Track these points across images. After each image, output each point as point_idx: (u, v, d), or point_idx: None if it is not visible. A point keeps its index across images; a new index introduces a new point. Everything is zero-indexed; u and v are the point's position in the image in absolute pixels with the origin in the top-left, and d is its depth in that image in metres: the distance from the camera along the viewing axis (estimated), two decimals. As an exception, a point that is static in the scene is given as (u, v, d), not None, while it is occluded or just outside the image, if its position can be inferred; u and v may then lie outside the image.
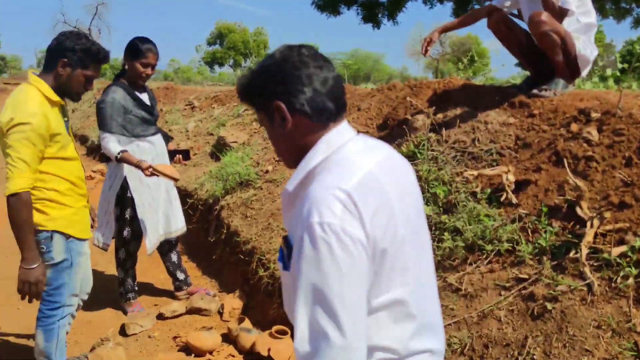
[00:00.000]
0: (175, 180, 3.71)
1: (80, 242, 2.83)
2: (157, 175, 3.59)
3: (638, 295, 2.15)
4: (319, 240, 1.17)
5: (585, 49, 3.62)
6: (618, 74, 3.83)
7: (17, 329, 3.84)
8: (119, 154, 3.55)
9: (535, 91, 3.74)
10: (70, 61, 2.59)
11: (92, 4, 44.83)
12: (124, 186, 3.82)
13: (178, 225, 4.15)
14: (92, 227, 3.12)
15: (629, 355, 1.97)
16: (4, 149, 2.46)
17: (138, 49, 3.62)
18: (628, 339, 2.02)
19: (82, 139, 12.68)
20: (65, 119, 2.75)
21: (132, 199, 3.83)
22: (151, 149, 3.85)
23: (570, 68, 3.67)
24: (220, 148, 6.83)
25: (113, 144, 3.59)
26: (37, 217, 2.56)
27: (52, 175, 2.62)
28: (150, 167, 3.53)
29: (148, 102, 3.84)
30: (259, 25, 67.83)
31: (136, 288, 4.17)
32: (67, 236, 2.73)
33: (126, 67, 3.75)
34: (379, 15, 21.68)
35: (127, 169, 3.76)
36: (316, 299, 1.18)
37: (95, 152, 11.29)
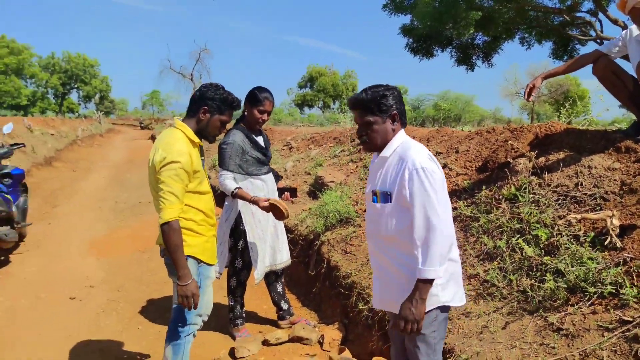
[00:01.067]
0: (287, 216, 3.99)
1: (208, 267, 3.20)
2: (272, 208, 3.93)
3: None
4: (423, 175, 2.25)
5: (695, 94, 3.59)
6: None
7: (139, 348, 4.32)
8: (235, 190, 3.98)
9: (642, 136, 3.73)
10: (210, 108, 3.04)
11: (196, 51, 48.57)
12: (238, 220, 4.23)
13: (283, 257, 4.47)
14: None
15: None
16: (156, 184, 2.90)
17: (257, 97, 4.08)
18: None
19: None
20: (202, 157, 3.19)
21: (244, 231, 4.23)
22: (263, 186, 4.24)
23: (679, 114, 3.64)
24: (318, 187, 7.21)
25: (229, 181, 4.02)
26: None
27: (190, 207, 3.03)
28: (268, 199, 3.91)
29: (263, 144, 4.27)
30: (349, 69, 69.57)
31: (244, 315, 4.52)
32: (199, 261, 3.11)
33: (245, 112, 4.21)
34: (474, 57, 21.69)
35: (242, 204, 4.18)
36: (426, 207, 2.23)
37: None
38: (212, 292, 3.38)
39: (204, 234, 3.13)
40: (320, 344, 4.28)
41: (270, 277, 4.53)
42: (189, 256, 3.02)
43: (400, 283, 2.39)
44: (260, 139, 4.28)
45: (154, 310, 5.07)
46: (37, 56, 62.08)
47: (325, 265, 5.02)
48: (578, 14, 18.54)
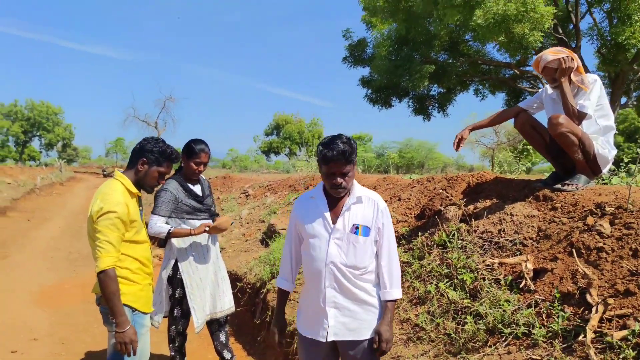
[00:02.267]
0: (230, 225, 4.15)
1: (143, 315, 3.23)
2: (214, 231, 4.10)
3: (637, 376, 2.32)
4: (387, 212, 2.72)
5: (604, 149, 3.91)
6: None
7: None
8: (169, 229, 4.05)
9: (558, 186, 4.02)
10: (149, 160, 3.17)
11: (161, 99, 48.77)
12: (175, 268, 4.27)
13: (225, 305, 4.46)
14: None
15: None
16: (93, 234, 2.97)
17: (192, 150, 4.21)
18: (624, 417, 2.18)
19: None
20: (141, 208, 3.29)
21: (182, 280, 4.26)
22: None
23: (591, 166, 3.95)
24: (269, 235, 7.31)
25: (160, 225, 4.09)
26: None
27: (127, 256, 3.10)
28: (207, 225, 4.04)
29: (200, 193, 4.37)
30: (315, 116, 70.66)
31: None
32: (133, 309, 3.14)
33: (182, 164, 4.33)
34: (429, 108, 22.52)
35: (178, 253, 4.23)
36: (391, 238, 2.72)
37: (153, 239, 12.04)
38: (148, 341, 3.39)
39: (139, 282, 3.18)
40: (263, 392, 4.30)
41: (213, 326, 4.53)
42: (123, 305, 3.06)
43: (372, 308, 2.68)
44: (197, 188, 4.37)
45: (99, 363, 4.99)
46: (-1, 104, 61.23)
47: (270, 314, 5.08)
48: (526, 68, 19.63)
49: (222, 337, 4.59)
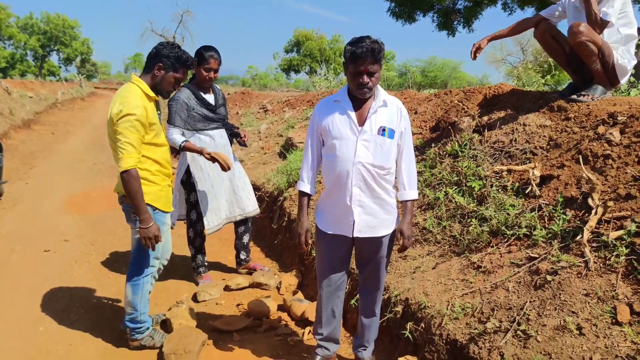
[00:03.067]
0: (227, 169, 4.23)
1: (164, 214, 3.45)
2: (214, 160, 4.18)
3: (626, 270, 2.45)
4: (408, 117, 2.85)
5: (624, 58, 3.85)
6: (664, 81, 4.01)
7: (108, 294, 4.59)
8: (182, 143, 4.20)
9: (574, 96, 4.00)
10: (165, 66, 3.23)
11: (178, 12, 47.65)
12: (189, 173, 4.46)
13: (245, 209, 4.67)
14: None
15: (607, 317, 2.29)
16: (114, 136, 3.11)
17: (202, 56, 4.23)
18: (609, 305, 2.34)
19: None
20: (159, 112, 3.40)
21: (195, 184, 4.47)
22: (210, 142, 4.41)
23: (609, 76, 3.91)
24: (287, 148, 7.45)
25: (177, 136, 4.23)
26: None
27: (147, 158, 3.25)
28: (209, 153, 4.15)
29: (212, 102, 4.45)
30: (336, 32, 68.63)
31: (206, 263, 4.80)
32: (154, 208, 3.35)
33: (195, 72, 4.39)
34: (455, 23, 21.72)
35: (190, 159, 4.40)
36: (411, 142, 2.87)
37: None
38: (169, 238, 3.63)
39: (159, 183, 3.36)
40: (278, 288, 4.60)
41: (240, 228, 4.80)
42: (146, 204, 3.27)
43: (391, 208, 2.87)
44: (210, 97, 4.45)
45: (124, 262, 5.31)
46: (15, 16, 60.28)
47: (286, 219, 5.31)
48: (558, -20, 18.62)
49: (245, 239, 4.87)
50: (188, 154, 4.35)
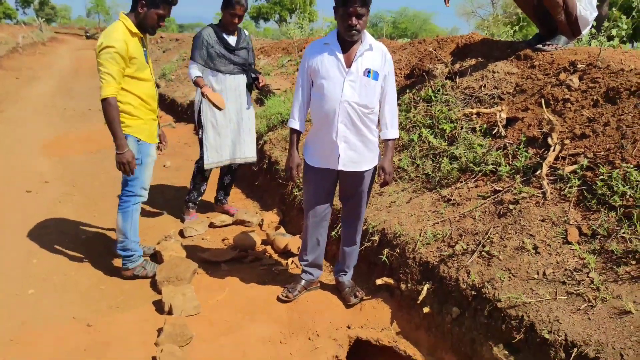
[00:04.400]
0: (219, 109, 4.47)
1: (148, 145, 3.65)
2: (206, 99, 4.43)
3: (577, 200, 2.81)
4: (392, 61, 3.06)
5: (586, 10, 4.13)
6: (623, 34, 4.30)
7: (95, 229, 4.79)
8: (195, 77, 4.46)
9: (539, 46, 4.29)
10: (147, 2, 3.40)
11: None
12: (200, 110, 4.68)
13: (245, 153, 4.88)
14: (161, 141, 3.99)
15: (560, 238, 2.66)
16: (97, 67, 3.33)
17: (229, 1, 4.44)
18: (561, 228, 2.70)
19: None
20: (144, 48, 3.55)
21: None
22: (217, 83, 4.58)
23: (572, 27, 4.19)
24: (265, 94, 7.58)
25: (194, 70, 4.50)
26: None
27: (128, 92, 3.47)
28: (204, 91, 4.38)
29: (233, 44, 4.61)
30: (306, -20, 66.68)
31: (197, 202, 5.05)
32: (138, 139, 3.57)
33: (222, 15, 4.57)
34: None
35: (202, 98, 4.60)
36: (393, 85, 3.09)
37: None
38: (151, 169, 3.81)
39: (142, 117, 3.57)
40: (260, 226, 4.89)
41: (224, 168, 5.03)
42: (128, 135, 3.50)
43: (372, 146, 3.11)
44: (232, 39, 4.63)
45: (109, 202, 5.46)
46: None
47: (266, 161, 5.55)
48: None
49: (227, 180, 5.12)
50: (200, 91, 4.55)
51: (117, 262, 4.03)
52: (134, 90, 3.49)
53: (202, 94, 4.40)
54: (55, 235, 4.59)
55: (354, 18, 2.82)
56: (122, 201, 3.72)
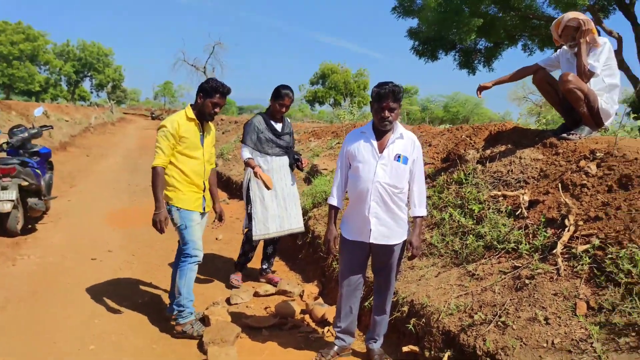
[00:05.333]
0: (268, 188, 5.03)
1: (189, 212, 4.20)
2: (258, 178, 4.99)
3: (588, 276, 3.03)
4: (420, 148, 3.54)
5: (607, 104, 4.46)
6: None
7: (152, 296, 5.24)
8: (246, 159, 5.08)
9: (564, 135, 4.61)
10: (204, 94, 4.12)
11: (210, 44, 49.59)
12: (249, 187, 5.25)
13: (292, 225, 5.38)
14: (218, 218, 4.57)
15: (569, 311, 2.87)
16: None
17: (279, 93, 5.16)
18: (571, 302, 2.91)
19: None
20: (201, 133, 4.22)
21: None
22: (264, 163, 5.20)
23: (594, 118, 4.51)
24: (312, 174, 8.13)
25: (245, 152, 5.14)
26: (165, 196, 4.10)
27: (174, 167, 4.12)
28: (256, 171, 4.95)
29: (279, 130, 5.26)
30: (361, 67, 69.70)
31: (244, 266, 5.58)
32: (178, 208, 4.17)
33: (270, 104, 5.28)
34: (475, 62, 22.42)
35: (252, 175, 5.19)
36: (422, 168, 3.54)
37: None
38: (199, 232, 4.35)
39: (181, 189, 4.17)
40: (301, 296, 5.21)
41: (268, 240, 5.49)
42: (171, 206, 4.13)
43: (402, 222, 3.49)
44: (278, 125, 5.30)
45: (164, 271, 5.96)
46: (52, 43, 62.59)
47: (310, 236, 5.95)
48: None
49: (269, 250, 5.57)
50: (250, 171, 5.15)
51: (168, 325, 4.43)
52: (181, 165, 4.13)
53: (255, 173, 4.95)
54: (116, 299, 5.06)
55: (386, 111, 3.32)
56: (178, 262, 4.25)
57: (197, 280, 5.57)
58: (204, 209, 4.38)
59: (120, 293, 5.24)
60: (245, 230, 5.44)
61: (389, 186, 3.40)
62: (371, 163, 3.43)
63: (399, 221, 3.48)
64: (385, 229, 3.46)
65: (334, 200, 3.65)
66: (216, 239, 7.44)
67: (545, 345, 2.74)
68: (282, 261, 6.44)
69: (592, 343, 2.60)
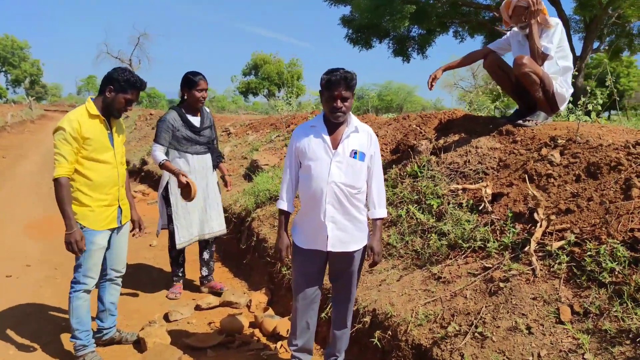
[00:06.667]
0: (187, 199, 4.49)
1: (93, 232, 3.56)
2: (184, 186, 4.44)
3: (567, 276, 2.78)
4: (377, 142, 3.14)
5: (562, 88, 4.29)
6: (599, 108, 4.45)
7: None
8: (162, 161, 4.52)
9: (519, 121, 4.40)
10: (115, 88, 3.50)
11: (135, 35, 47.47)
12: (167, 189, 4.76)
13: (213, 228, 4.98)
14: (134, 227, 4.00)
15: (552, 317, 2.60)
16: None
17: (191, 80, 4.64)
18: (553, 306, 2.65)
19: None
20: (109, 131, 3.61)
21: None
22: (184, 165, 4.71)
23: (550, 103, 4.33)
24: (253, 170, 7.65)
25: (158, 153, 4.57)
26: None
27: (80, 176, 3.46)
28: (181, 179, 4.41)
29: (198, 125, 4.70)
30: (293, 57, 69.22)
31: (179, 274, 5.07)
32: (82, 226, 3.51)
33: (185, 96, 4.73)
34: (409, 49, 22.56)
35: (169, 176, 4.71)
36: (380, 165, 3.14)
37: (137, 174, 12.31)
38: (99, 257, 3.68)
39: (89, 205, 3.52)
40: (248, 306, 4.76)
41: (201, 244, 5.04)
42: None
43: (361, 225, 3.10)
44: (196, 119, 4.74)
45: (93, 285, 5.36)
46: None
47: (255, 239, 5.49)
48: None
49: (206, 256, 5.13)
50: (152, 157, 4.63)
51: (99, 351, 3.89)
52: (88, 173, 3.49)
53: (179, 181, 4.43)
54: (36, 323, 4.44)
55: (339, 101, 2.91)
56: (70, 288, 3.67)
57: (132, 295, 5.06)
58: (120, 222, 3.79)
59: (42, 315, 4.61)
60: (160, 231, 4.99)
61: (346, 186, 3.00)
62: (324, 161, 3.01)
63: (358, 225, 3.11)
64: (344, 234, 3.07)
65: (283, 205, 3.22)
66: (150, 245, 6.83)
67: (530, 358, 2.46)
68: (225, 267, 5.96)
69: (583, 354, 2.34)
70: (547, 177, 3.51)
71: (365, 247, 3.15)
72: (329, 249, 3.04)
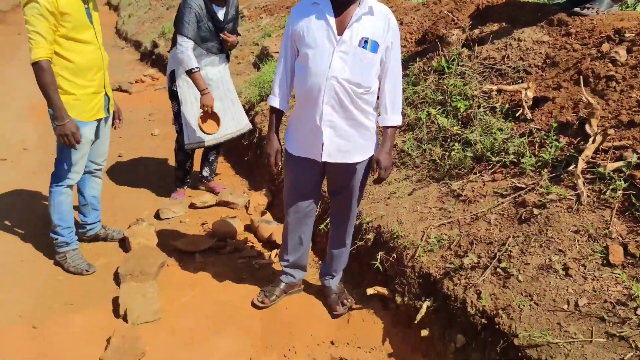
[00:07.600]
0: (206, 132, 3.98)
1: (80, 123, 3.05)
2: (208, 115, 3.93)
3: (622, 207, 2.22)
4: (399, 32, 2.44)
5: (635, -34, 3.44)
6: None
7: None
8: (194, 69, 3.77)
9: (576, 9, 3.61)
10: None
11: None
12: (172, 79, 4.08)
13: (228, 130, 4.30)
14: (114, 118, 3.48)
15: (598, 257, 2.08)
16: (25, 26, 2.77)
17: None
18: (601, 244, 2.12)
19: (136, 45, 13.06)
20: (86, 6, 2.96)
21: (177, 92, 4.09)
22: (205, 67, 4.01)
23: (617, -13, 3.51)
24: (262, 58, 6.95)
25: (190, 53, 3.77)
26: None
27: (61, 59, 2.89)
28: (205, 106, 3.85)
29: (222, 18, 3.94)
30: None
31: (182, 177, 4.52)
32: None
33: None
34: None
35: (177, 64, 3.97)
36: (399, 60, 2.49)
37: (148, 57, 11.63)
38: (86, 151, 3.27)
39: (73, 92, 2.99)
40: (246, 208, 4.36)
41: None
42: None
43: (367, 133, 2.52)
44: (221, 12, 3.94)
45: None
46: None
47: (257, 135, 4.98)
48: None
49: (211, 156, 4.61)
50: (178, 56, 3.83)
51: (83, 247, 3.59)
52: (69, 55, 2.91)
53: (202, 104, 3.85)
54: (25, 212, 4.16)
55: None
56: (51, 180, 3.29)
57: (123, 190, 4.69)
58: (107, 111, 3.29)
59: (32, 204, 4.31)
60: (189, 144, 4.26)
61: (350, 84, 2.35)
62: (325, 49, 2.33)
63: (363, 131, 2.50)
64: (344, 142, 2.48)
65: (275, 101, 2.61)
66: (152, 134, 6.38)
67: (565, 307, 1.97)
68: (227, 162, 5.51)
69: (635, 308, 1.84)
70: (607, 79, 2.82)
71: (371, 159, 2.58)
72: (324, 159, 2.49)
